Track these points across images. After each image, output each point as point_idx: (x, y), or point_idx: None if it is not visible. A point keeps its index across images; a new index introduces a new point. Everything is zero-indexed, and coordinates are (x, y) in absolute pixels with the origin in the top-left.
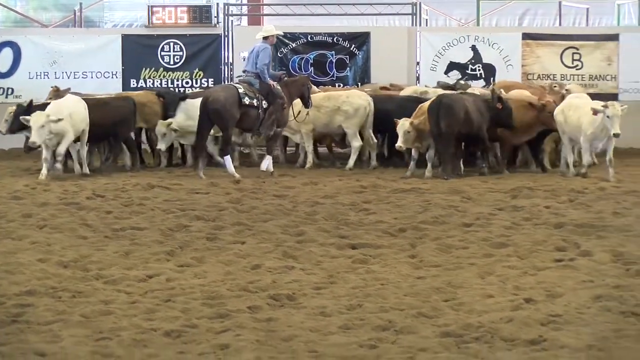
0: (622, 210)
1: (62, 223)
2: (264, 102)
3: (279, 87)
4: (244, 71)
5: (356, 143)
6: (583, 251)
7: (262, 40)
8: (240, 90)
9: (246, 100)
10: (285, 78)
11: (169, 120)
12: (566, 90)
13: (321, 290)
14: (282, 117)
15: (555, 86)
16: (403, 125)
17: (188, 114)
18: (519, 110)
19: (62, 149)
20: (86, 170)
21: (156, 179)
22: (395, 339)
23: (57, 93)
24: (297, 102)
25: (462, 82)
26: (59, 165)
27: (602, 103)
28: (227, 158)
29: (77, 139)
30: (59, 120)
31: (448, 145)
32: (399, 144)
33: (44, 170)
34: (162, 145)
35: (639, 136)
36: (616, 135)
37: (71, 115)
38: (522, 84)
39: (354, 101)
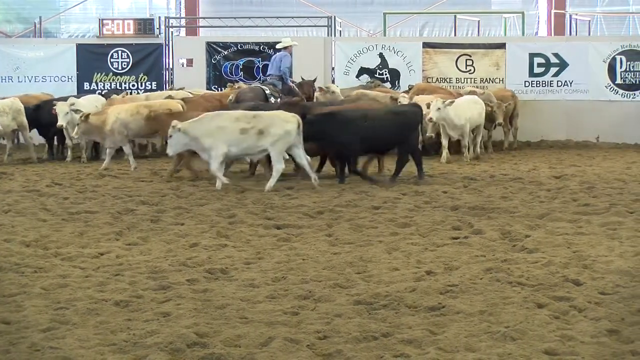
0: (509, 195)
1: (25, 208)
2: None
3: (296, 88)
4: (268, 75)
5: None
6: (476, 230)
7: (282, 49)
8: (267, 91)
9: (272, 99)
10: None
11: (72, 100)
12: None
13: (250, 265)
14: None
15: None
16: None
17: None
18: None
19: None
20: None
21: (107, 170)
22: (315, 306)
23: None
24: None
25: (372, 83)
26: None
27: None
28: None
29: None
30: None
31: None
32: None
33: None
34: (62, 122)
35: (526, 129)
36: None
37: None
38: (435, 86)
39: None
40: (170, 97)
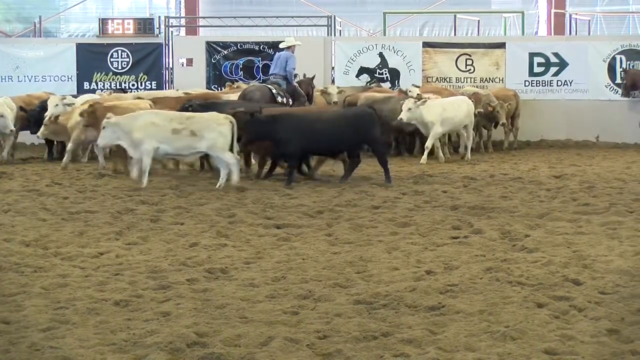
0: (509, 194)
1: (25, 207)
2: (290, 99)
3: (300, 88)
4: (271, 74)
5: None
6: (475, 229)
7: (285, 49)
8: (274, 91)
9: (279, 99)
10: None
11: (65, 96)
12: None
13: (250, 264)
14: None
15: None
16: None
17: None
18: None
19: None
20: None
21: (105, 169)
22: (315, 306)
23: None
24: None
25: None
26: None
27: None
28: None
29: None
30: None
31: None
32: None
33: None
34: (51, 112)
35: (526, 129)
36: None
37: None
38: (441, 88)
39: None
40: (139, 97)
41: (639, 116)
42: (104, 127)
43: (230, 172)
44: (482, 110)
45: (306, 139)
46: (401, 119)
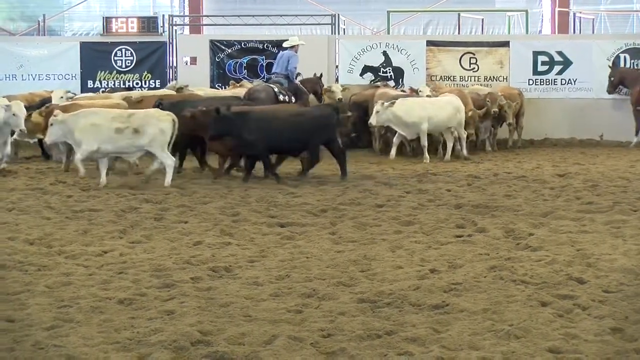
0: (513, 193)
1: (29, 206)
2: (292, 97)
3: (302, 86)
4: (273, 73)
5: None
6: (479, 228)
7: (288, 48)
8: (276, 90)
9: (281, 97)
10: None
11: (67, 90)
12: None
13: (254, 263)
14: None
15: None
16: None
17: None
18: None
19: None
20: None
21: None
22: (318, 304)
23: None
24: None
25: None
26: None
27: None
28: None
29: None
30: None
31: None
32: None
33: None
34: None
35: (530, 128)
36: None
37: None
38: (449, 88)
39: None
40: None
41: None
42: (51, 124)
43: (165, 172)
44: (497, 110)
45: (268, 136)
46: (371, 124)
